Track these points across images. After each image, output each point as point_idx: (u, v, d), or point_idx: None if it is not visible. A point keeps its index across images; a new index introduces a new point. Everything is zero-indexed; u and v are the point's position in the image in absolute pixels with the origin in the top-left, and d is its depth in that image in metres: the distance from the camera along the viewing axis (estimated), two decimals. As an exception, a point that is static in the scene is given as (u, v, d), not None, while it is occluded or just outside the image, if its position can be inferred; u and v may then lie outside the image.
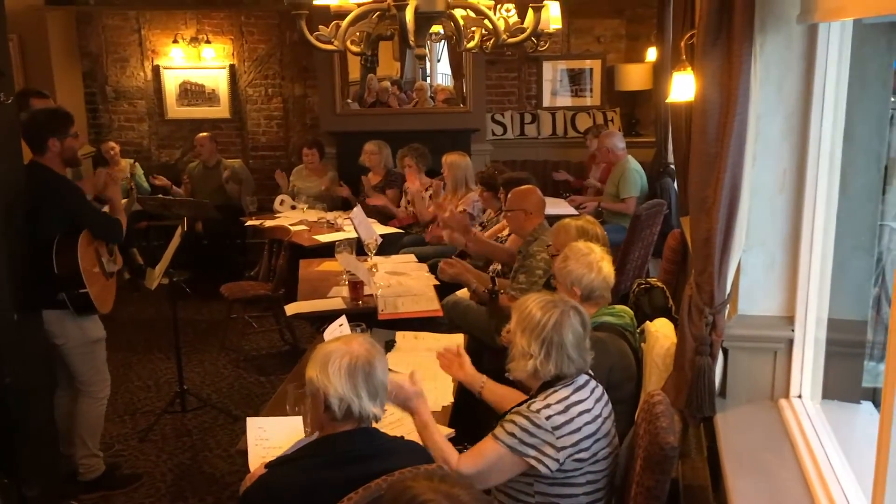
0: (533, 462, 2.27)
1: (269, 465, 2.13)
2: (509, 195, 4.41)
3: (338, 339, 2.24)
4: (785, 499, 2.06)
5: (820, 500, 1.99)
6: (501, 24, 2.28)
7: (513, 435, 2.29)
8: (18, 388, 3.34)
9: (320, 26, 2.27)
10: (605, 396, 2.46)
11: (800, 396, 2.49)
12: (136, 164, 7.73)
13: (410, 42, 1.87)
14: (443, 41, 3.86)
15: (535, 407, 2.30)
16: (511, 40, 2.22)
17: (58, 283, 3.50)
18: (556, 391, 2.34)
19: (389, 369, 2.20)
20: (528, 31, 2.16)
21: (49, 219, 3.53)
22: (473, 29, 2.46)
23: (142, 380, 5.29)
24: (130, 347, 5.82)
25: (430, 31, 2.32)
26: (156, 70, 8.23)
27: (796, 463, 2.19)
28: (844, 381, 2.52)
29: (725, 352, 2.52)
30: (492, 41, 2.34)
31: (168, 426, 4.60)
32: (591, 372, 2.46)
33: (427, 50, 2.05)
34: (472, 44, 2.51)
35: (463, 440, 2.97)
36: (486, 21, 2.22)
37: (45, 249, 3.48)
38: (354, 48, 2.26)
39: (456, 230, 4.72)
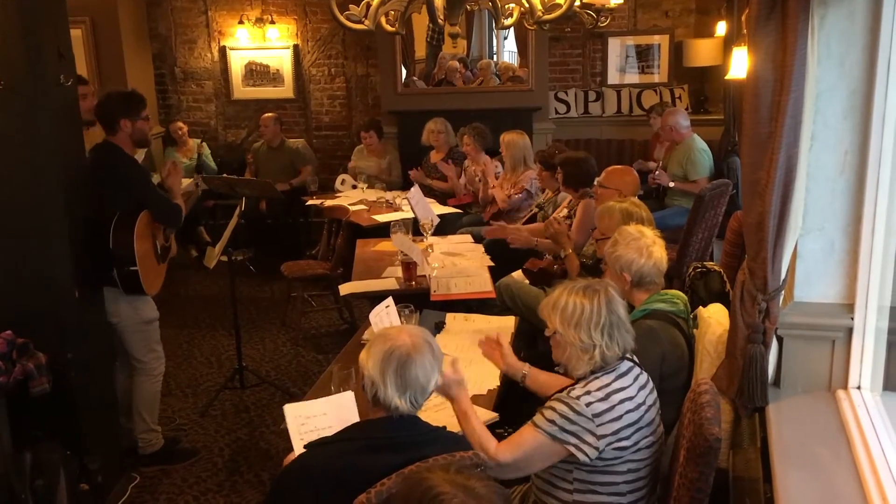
0: (572, 450, 2.23)
1: (309, 446, 2.14)
2: (604, 172, 4.28)
3: (400, 326, 2.23)
4: (835, 495, 1.96)
5: (873, 498, 1.90)
6: (537, 1, 2.20)
7: (552, 422, 2.25)
8: (80, 363, 3.43)
9: (351, 6, 2.25)
10: (650, 384, 2.39)
11: (859, 388, 2.38)
12: (204, 143, 7.90)
13: (439, 21, 1.83)
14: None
15: (574, 393, 2.25)
16: (547, 17, 2.14)
17: (111, 260, 3.58)
18: (597, 378, 2.28)
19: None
20: (565, 6, 2.09)
21: (114, 198, 3.62)
22: (512, 6, 2.40)
23: (204, 355, 5.41)
24: (195, 324, 5.96)
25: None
26: (222, 51, 8.35)
27: (851, 458, 2.09)
28: (907, 372, 2.40)
29: (780, 340, 2.42)
30: (535, 18, 2.27)
31: (227, 402, 4.69)
32: (636, 359, 2.40)
33: (460, 29, 2.00)
34: (510, 21, 2.45)
35: (508, 424, 2.94)
36: (521, -4, 2.16)
37: (105, 227, 3.57)
38: (389, 27, 2.23)
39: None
